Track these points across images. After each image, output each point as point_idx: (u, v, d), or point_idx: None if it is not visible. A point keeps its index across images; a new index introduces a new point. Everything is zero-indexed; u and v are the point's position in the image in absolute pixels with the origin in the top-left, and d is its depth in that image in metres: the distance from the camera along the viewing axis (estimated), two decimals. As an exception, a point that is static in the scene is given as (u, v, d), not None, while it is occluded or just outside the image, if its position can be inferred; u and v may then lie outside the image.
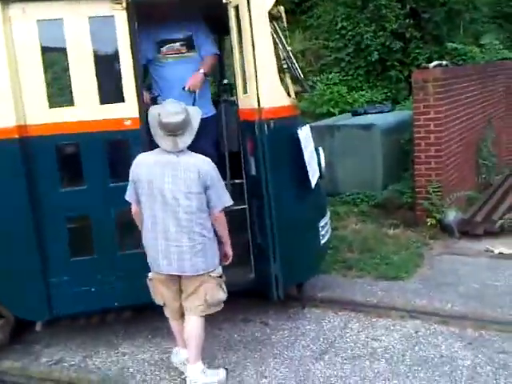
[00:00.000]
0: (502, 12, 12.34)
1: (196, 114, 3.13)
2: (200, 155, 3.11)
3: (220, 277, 3.24)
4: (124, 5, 3.42)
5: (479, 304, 4.20)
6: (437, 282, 4.71)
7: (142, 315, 4.11)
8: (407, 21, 9.55)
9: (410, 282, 4.78)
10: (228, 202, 3.17)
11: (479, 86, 7.53)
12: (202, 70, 4.25)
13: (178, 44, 4.32)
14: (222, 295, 3.26)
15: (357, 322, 4.08)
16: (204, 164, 3.06)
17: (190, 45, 4.34)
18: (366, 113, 7.73)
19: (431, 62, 7.94)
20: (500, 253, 5.30)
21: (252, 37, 3.56)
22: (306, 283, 4.36)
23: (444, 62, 6.75)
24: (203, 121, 3.28)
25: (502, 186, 7.48)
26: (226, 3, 3.70)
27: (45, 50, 3.43)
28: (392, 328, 3.96)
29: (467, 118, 7.00)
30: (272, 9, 3.85)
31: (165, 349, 3.86)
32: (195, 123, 3.08)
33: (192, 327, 3.23)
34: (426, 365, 3.43)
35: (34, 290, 3.57)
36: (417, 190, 6.21)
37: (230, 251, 3.33)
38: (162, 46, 4.30)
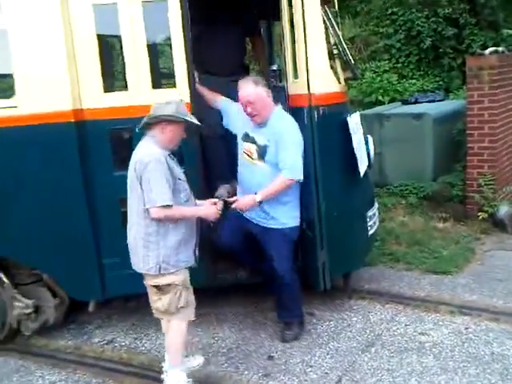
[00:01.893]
0: None
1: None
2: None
3: (157, 287, 2.98)
4: (177, -11, 3.41)
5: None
6: (488, 277, 4.56)
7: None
8: (461, 6, 9.19)
9: (460, 277, 4.64)
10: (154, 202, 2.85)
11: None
12: (259, 198, 3.41)
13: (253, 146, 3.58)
14: (160, 306, 3.03)
15: (404, 316, 4.00)
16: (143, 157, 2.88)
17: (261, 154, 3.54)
18: (416, 102, 7.51)
19: (486, 48, 7.66)
20: (556, 249, 5.09)
21: (303, 21, 3.50)
22: (353, 274, 4.30)
23: (500, 49, 6.47)
24: None
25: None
26: (279, -13, 3.64)
27: (100, 35, 3.48)
28: (441, 323, 3.87)
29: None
30: (324, -8, 3.77)
31: (212, 334, 3.90)
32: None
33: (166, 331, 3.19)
34: (476, 362, 3.33)
35: (88, 271, 3.66)
36: (468, 182, 6.02)
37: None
38: (244, 141, 3.65)
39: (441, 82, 9.18)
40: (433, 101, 7.51)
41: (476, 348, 3.49)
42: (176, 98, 3.12)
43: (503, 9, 9.72)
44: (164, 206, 2.83)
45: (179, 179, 2.98)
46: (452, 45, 9.29)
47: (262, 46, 5.00)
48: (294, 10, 3.59)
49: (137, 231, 2.95)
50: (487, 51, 6.16)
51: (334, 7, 4.30)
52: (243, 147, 3.61)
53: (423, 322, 3.89)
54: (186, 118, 2.95)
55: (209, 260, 3.77)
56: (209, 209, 3.13)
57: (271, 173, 3.45)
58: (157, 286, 2.97)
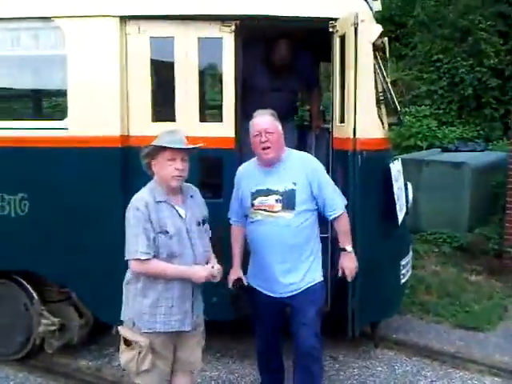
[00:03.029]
0: None
1: None
2: None
3: (126, 342, 2.60)
4: (233, 27, 3.50)
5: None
6: (521, 338, 4.43)
7: (213, 332, 4.13)
8: (508, 57, 9.16)
9: (492, 334, 4.51)
10: None
11: None
12: (350, 248, 3.10)
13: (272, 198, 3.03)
14: (121, 360, 2.66)
15: (431, 371, 3.90)
16: None
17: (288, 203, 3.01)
18: (457, 150, 7.46)
19: (530, 102, 7.60)
20: None
21: (355, 67, 3.52)
22: (381, 322, 4.22)
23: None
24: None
25: None
26: (332, 32, 3.69)
27: (154, 66, 3.58)
28: (469, 382, 3.75)
29: None
30: (376, 40, 3.81)
31: (232, 369, 3.86)
32: None
33: None
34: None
35: (114, 293, 3.68)
36: (506, 236, 5.90)
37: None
38: (254, 199, 3.05)
39: (481, 132, 9.11)
40: (473, 150, 7.45)
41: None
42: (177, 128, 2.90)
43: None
44: (141, 260, 2.47)
45: (164, 232, 2.51)
46: (495, 95, 9.24)
47: (317, 98, 4.89)
48: (346, 53, 3.63)
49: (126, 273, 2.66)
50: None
51: (385, 53, 4.34)
52: (255, 205, 3.00)
53: (451, 379, 3.78)
54: (160, 144, 2.52)
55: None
56: (199, 269, 2.57)
57: (305, 221, 2.99)
58: (123, 337, 2.62)
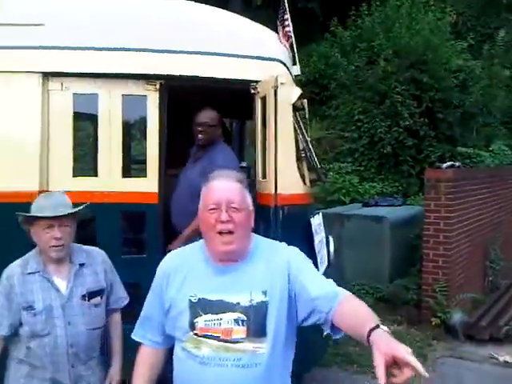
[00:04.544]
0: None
1: None
2: None
3: None
4: (157, 86, 3.60)
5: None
6: (439, 386, 4.58)
7: None
8: (422, 119, 9.85)
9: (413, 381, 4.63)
10: None
11: (490, 189, 7.65)
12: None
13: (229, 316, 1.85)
14: None
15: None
16: None
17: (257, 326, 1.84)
18: (376, 204, 7.83)
19: (443, 160, 8.17)
20: (505, 361, 5.18)
21: (275, 126, 3.70)
22: (305, 375, 4.25)
23: (457, 164, 6.91)
24: None
25: (509, 290, 7.40)
26: (254, 93, 3.87)
27: (77, 122, 3.59)
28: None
29: (477, 219, 7.07)
30: (296, 101, 4.04)
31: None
32: None
33: None
34: None
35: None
36: (423, 287, 6.17)
37: None
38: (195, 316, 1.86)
39: (399, 187, 9.63)
40: (392, 205, 7.83)
41: None
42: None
43: (460, 125, 10.48)
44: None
45: (28, 308, 2.23)
46: (411, 154, 9.85)
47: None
48: (267, 113, 3.80)
49: None
50: (444, 165, 6.58)
51: (305, 114, 4.58)
52: (197, 327, 1.82)
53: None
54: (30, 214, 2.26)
55: None
56: None
57: (284, 358, 1.87)
58: None
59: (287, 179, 3.74)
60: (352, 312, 1.73)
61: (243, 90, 3.86)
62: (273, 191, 3.69)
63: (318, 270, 3.96)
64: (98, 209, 3.28)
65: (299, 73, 4.40)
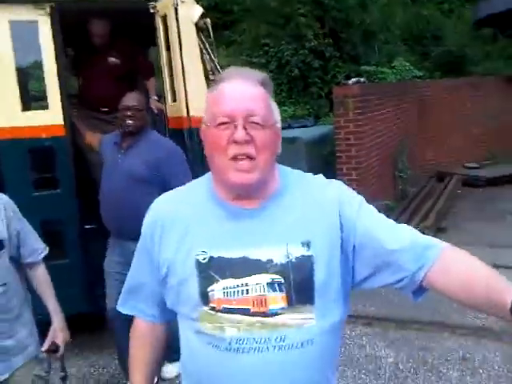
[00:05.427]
0: (413, 34, 13.23)
1: None
2: None
3: None
4: (48, 10, 3.35)
5: (400, 308, 4.42)
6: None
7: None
8: (326, 40, 9.95)
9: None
10: None
11: (394, 103, 7.98)
12: None
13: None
14: None
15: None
16: None
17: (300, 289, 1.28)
18: (289, 127, 7.95)
19: (350, 79, 8.35)
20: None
21: (180, 46, 3.60)
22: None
23: (362, 79, 7.10)
24: None
25: (417, 196, 7.92)
26: (154, 13, 3.71)
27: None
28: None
29: (384, 132, 7.39)
30: (198, 21, 3.92)
31: (92, 362, 3.75)
32: None
33: None
34: (353, 364, 3.55)
35: None
36: (339, 200, 6.45)
37: None
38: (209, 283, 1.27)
39: (310, 110, 9.80)
40: (304, 126, 7.99)
41: (352, 352, 3.73)
42: None
43: (362, 44, 10.70)
44: None
45: None
46: (319, 75, 10.00)
47: (152, 84, 4.57)
48: (169, 31, 3.67)
49: None
50: (351, 81, 6.73)
51: (209, 36, 4.47)
52: (213, 299, 1.26)
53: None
54: None
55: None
56: None
57: (335, 331, 1.31)
58: None
59: (199, 101, 3.68)
60: (466, 272, 1.22)
61: (142, 10, 3.69)
62: (185, 114, 3.63)
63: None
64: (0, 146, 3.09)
65: (199, -10, 4.24)
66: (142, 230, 1.38)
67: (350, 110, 6.41)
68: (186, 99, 3.61)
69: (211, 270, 1.25)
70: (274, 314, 1.24)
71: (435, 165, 9.38)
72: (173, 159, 3.11)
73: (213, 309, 1.25)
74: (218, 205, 1.29)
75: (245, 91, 1.25)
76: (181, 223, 1.30)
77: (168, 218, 1.32)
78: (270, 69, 9.98)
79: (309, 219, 1.29)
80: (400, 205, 7.38)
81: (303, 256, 1.25)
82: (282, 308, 1.24)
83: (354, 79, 6.93)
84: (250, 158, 1.23)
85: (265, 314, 1.24)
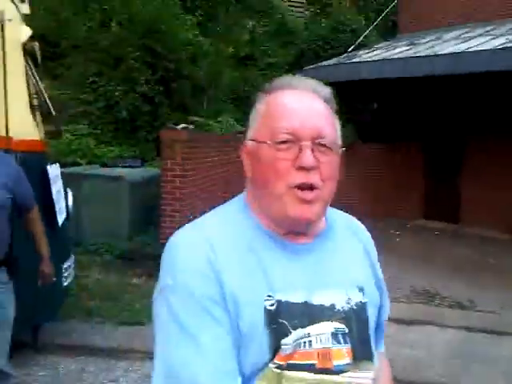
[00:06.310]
0: (239, 95, 14.20)
1: None
2: None
3: None
4: None
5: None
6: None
7: None
8: (157, 87, 10.17)
9: (150, 326, 4.89)
10: None
11: (219, 152, 8.41)
12: None
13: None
14: None
15: (94, 366, 4.02)
16: None
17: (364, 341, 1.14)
18: (115, 166, 7.86)
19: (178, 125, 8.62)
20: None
21: (4, 65, 3.45)
22: (44, 328, 4.13)
23: (191, 126, 7.41)
24: None
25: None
26: (-22, 26, 3.52)
27: None
28: (130, 369, 4.01)
29: (209, 179, 7.72)
30: (26, 42, 3.82)
31: None
32: None
33: None
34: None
35: None
36: (161, 241, 6.50)
37: None
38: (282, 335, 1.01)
39: (137, 152, 9.81)
40: (130, 166, 7.97)
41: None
42: None
43: (192, 96, 11.16)
44: None
45: None
46: (148, 120, 10.11)
47: None
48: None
49: None
50: (179, 126, 7.00)
51: (37, 59, 4.33)
52: (281, 354, 1.00)
53: (113, 371, 3.97)
54: None
55: None
56: None
57: None
58: None
59: (20, 123, 3.54)
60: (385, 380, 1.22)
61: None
62: (4, 134, 3.45)
63: (57, 220, 3.87)
64: None
65: (28, 12, 4.12)
66: (185, 272, 1.01)
67: (178, 154, 6.61)
68: (7, 120, 3.44)
69: (282, 317, 1.00)
70: (339, 371, 1.03)
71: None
72: (21, 177, 2.92)
73: (279, 367, 0.99)
74: (270, 238, 1.06)
75: (312, 105, 1.05)
76: (234, 255, 1.02)
77: (221, 247, 1.02)
78: (98, 107, 9.83)
79: (357, 261, 1.15)
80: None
81: (361, 302, 1.09)
82: (347, 364, 1.04)
83: (182, 125, 7.20)
84: (312, 187, 1.02)
85: (330, 371, 1.02)
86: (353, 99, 11.26)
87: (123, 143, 9.66)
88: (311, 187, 1.02)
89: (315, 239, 1.10)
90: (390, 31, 15.03)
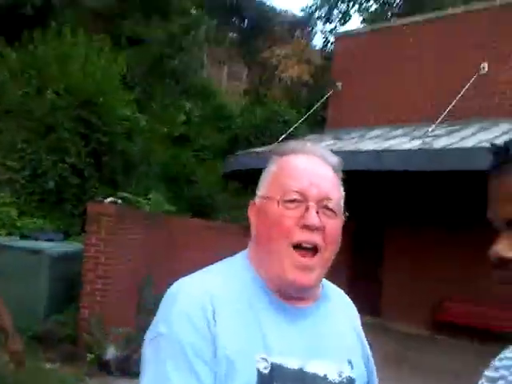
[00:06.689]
0: (169, 175, 14.16)
1: None
2: None
3: None
4: None
5: None
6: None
7: None
8: (88, 159, 9.92)
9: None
10: None
11: (147, 231, 8.14)
12: None
13: None
14: None
15: None
16: None
17: None
18: (36, 239, 7.38)
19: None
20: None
21: None
22: None
23: (119, 201, 7.18)
24: None
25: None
26: None
27: None
28: None
29: (134, 257, 7.38)
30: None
31: None
32: None
33: None
34: None
35: None
36: (80, 322, 6.04)
37: None
38: None
39: (61, 226, 9.32)
40: (52, 240, 7.52)
41: None
42: None
43: (123, 171, 10.97)
44: None
45: None
46: (75, 193, 9.74)
47: None
48: None
49: None
50: (106, 200, 6.76)
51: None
52: None
53: None
54: None
55: None
56: None
57: None
58: None
59: None
60: None
61: None
62: None
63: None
64: None
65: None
66: (178, 325, 1.00)
67: (103, 229, 6.33)
68: None
69: (275, 381, 0.99)
70: None
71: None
72: None
73: None
74: (270, 298, 1.07)
75: (320, 170, 1.10)
76: (231, 312, 1.02)
77: (219, 303, 1.02)
78: (23, 175, 9.39)
79: (348, 333, 1.16)
80: (142, 333, 7.21)
81: (350, 378, 1.09)
82: None
83: (110, 199, 6.96)
84: (315, 249, 1.05)
85: None
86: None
87: (47, 215, 9.18)
88: (315, 249, 1.05)
89: (313, 304, 1.12)
90: (319, 125, 15.84)
